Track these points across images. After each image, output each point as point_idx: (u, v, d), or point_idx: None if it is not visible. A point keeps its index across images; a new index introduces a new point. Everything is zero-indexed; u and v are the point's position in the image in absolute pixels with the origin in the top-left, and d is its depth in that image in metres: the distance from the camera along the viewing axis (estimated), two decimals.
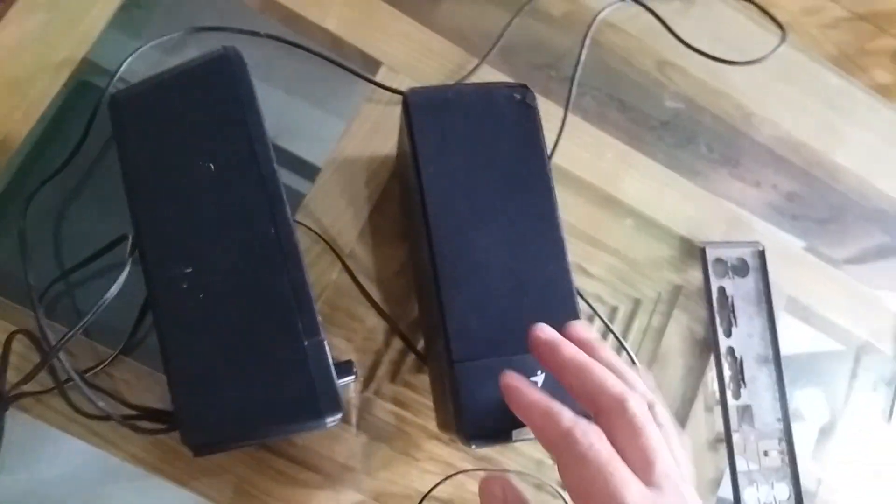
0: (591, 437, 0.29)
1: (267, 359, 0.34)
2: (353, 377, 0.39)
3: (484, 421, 0.37)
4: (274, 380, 0.34)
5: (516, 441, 0.38)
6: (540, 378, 0.38)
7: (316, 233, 0.47)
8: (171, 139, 0.36)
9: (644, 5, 0.56)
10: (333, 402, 0.34)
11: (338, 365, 0.35)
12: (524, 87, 0.43)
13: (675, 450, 0.31)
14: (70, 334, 0.39)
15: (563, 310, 0.40)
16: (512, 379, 0.34)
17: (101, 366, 0.42)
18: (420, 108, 0.41)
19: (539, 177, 0.42)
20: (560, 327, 0.36)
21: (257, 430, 0.35)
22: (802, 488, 0.51)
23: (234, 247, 0.35)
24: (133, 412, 0.41)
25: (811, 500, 0.53)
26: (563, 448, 0.30)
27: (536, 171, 0.42)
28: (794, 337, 0.55)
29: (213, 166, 0.35)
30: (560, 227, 0.41)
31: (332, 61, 0.49)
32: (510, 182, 0.42)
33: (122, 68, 0.46)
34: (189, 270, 0.34)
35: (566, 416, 0.31)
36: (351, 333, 0.47)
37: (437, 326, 0.39)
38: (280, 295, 0.35)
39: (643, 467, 0.29)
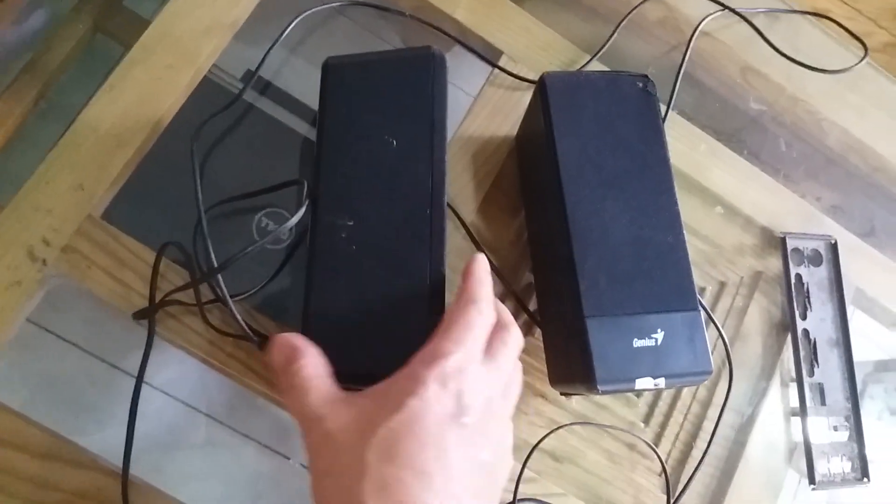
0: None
1: (394, 320, 0.38)
2: None
3: (611, 368, 0.41)
4: (396, 340, 0.38)
5: (637, 389, 0.42)
6: (660, 336, 0.42)
7: (451, 207, 0.52)
8: (366, 110, 0.41)
9: (742, 16, 0.61)
10: None
11: None
12: (645, 76, 0.48)
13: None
14: (237, 255, 0.41)
15: (679, 275, 0.44)
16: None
17: (248, 294, 0.46)
18: (555, 89, 0.46)
19: (658, 156, 0.47)
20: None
21: (365, 372, 0.38)
22: (868, 462, 0.55)
23: (393, 215, 0.39)
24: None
25: (877, 473, 0.57)
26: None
27: (656, 151, 0.47)
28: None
29: (395, 142, 0.40)
30: (676, 201, 0.46)
31: (465, 45, 0.54)
32: (633, 159, 0.46)
33: (288, 29, 0.51)
34: (350, 223, 0.39)
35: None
36: None
37: (567, 286, 0.43)
38: (419, 270, 0.39)
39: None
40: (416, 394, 0.32)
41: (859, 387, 0.58)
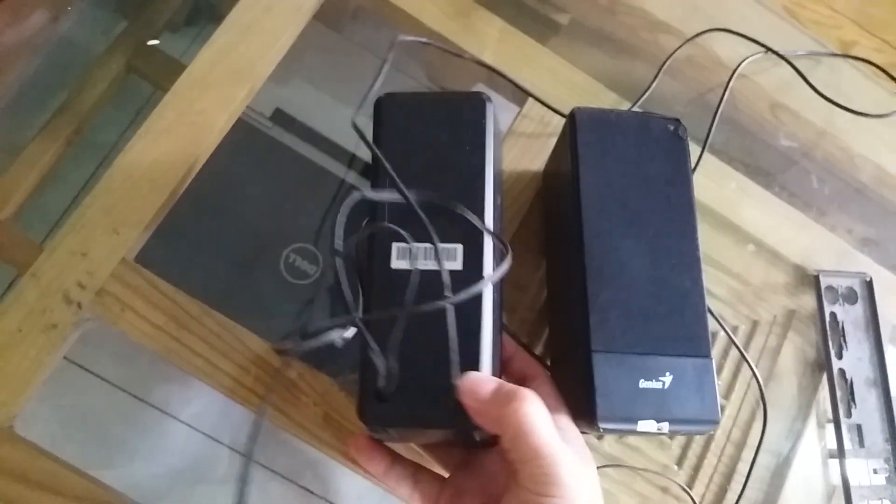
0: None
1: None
2: None
3: (614, 406, 0.41)
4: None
5: (639, 432, 0.41)
6: (668, 379, 0.42)
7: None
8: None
9: (785, 58, 0.62)
10: None
11: None
12: (677, 120, 0.48)
13: None
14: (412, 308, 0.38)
15: (693, 320, 0.43)
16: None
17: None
18: (585, 124, 0.47)
19: (684, 200, 0.46)
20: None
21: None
22: None
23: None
24: None
25: None
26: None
27: (682, 194, 0.47)
28: None
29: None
30: (698, 246, 0.45)
31: (502, 75, 0.55)
32: (657, 201, 0.46)
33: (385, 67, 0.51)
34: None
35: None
36: None
37: (578, 320, 0.43)
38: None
39: None
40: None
41: None
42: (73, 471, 0.43)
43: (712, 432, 0.53)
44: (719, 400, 0.42)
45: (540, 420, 0.35)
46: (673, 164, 0.47)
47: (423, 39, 0.51)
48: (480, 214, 0.40)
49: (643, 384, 0.41)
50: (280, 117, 0.67)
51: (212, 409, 0.49)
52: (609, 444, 0.51)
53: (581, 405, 0.42)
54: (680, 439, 0.53)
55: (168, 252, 0.49)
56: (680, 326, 0.43)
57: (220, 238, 0.50)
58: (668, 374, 0.42)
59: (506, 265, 0.40)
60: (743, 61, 0.61)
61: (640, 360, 0.42)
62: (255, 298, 0.53)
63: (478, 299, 0.38)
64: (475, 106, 0.42)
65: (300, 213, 0.56)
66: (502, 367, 0.42)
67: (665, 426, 0.41)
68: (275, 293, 0.51)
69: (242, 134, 0.56)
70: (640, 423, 0.41)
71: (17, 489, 0.42)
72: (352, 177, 0.54)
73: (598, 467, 0.49)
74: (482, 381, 0.36)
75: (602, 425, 0.41)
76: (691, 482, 0.52)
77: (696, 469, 0.52)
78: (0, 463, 0.42)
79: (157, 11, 0.70)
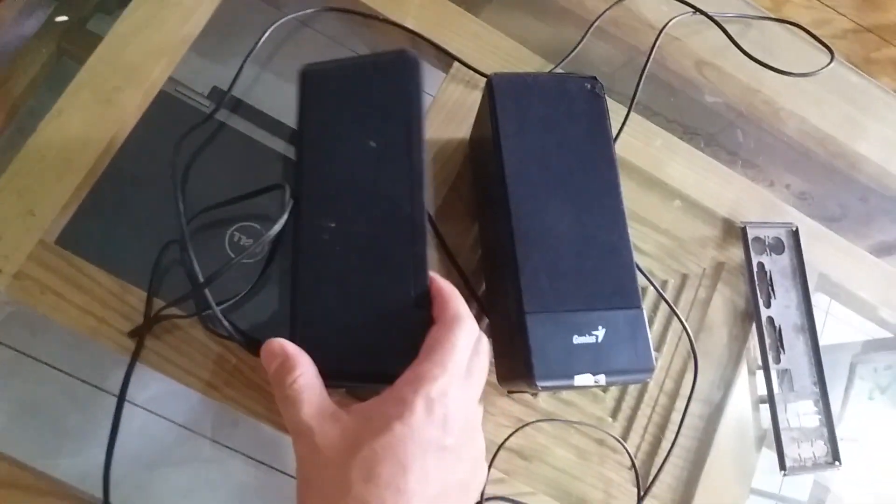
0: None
1: (379, 317, 0.39)
2: None
3: (550, 364, 0.41)
4: (381, 336, 0.39)
5: (577, 386, 0.42)
6: (601, 332, 0.43)
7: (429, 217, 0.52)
8: (345, 114, 0.41)
9: (713, 20, 0.62)
10: None
11: None
12: (594, 78, 0.48)
13: None
14: (227, 265, 0.42)
15: (622, 273, 0.44)
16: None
17: (233, 300, 0.47)
18: (502, 89, 0.47)
19: (604, 157, 0.47)
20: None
21: (355, 374, 0.39)
22: (839, 446, 0.56)
23: (374, 215, 0.40)
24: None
25: (848, 456, 0.57)
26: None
27: (602, 151, 0.47)
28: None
29: (374, 144, 0.40)
30: (622, 201, 0.46)
31: (426, 40, 0.55)
32: (579, 160, 0.47)
33: (264, 36, 0.52)
34: (333, 225, 0.39)
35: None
36: None
37: (510, 283, 0.44)
38: (402, 266, 0.39)
39: None
40: (401, 418, 0.33)
41: (847, 369, 0.58)
42: (25, 469, 0.43)
43: (647, 381, 0.54)
44: (653, 349, 0.43)
45: (305, 395, 0.35)
46: (592, 122, 0.48)
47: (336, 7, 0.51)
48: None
49: (577, 340, 0.42)
50: (218, 95, 0.65)
51: (167, 391, 0.48)
52: (544, 399, 0.52)
53: (519, 366, 0.43)
54: (614, 392, 0.54)
55: (91, 234, 0.49)
56: (609, 281, 0.44)
57: (156, 218, 0.49)
58: (600, 327, 0.43)
59: (285, 216, 0.41)
60: (670, 21, 0.62)
61: (572, 317, 0.43)
62: (224, 283, 0.52)
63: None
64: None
65: (245, 191, 0.55)
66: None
67: (601, 378, 0.42)
68: (227, 269, 0.50)
69: (178, 113, 0.55)
70: (576, 377, 0.42)
71: None
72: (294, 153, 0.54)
73: (532, 422, 0.51)
74: (268, 354, 0.37)
75: (540, 384, 0.41)
76: (626, 434, 0.53)
77: (631, 420, 0.53)
78: None
79: None
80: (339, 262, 0.39)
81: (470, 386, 0.37)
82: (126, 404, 0.50)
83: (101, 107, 0.48)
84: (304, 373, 0.36)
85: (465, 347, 0.37)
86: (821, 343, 0.58)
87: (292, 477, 0.54)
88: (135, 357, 0.45)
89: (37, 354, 0.90)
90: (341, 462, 0.33)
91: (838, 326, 0.65)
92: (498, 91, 0.47)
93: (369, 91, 0.42)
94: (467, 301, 0.51)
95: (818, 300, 0.61)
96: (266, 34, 0.51)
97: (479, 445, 0.38)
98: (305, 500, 0.34)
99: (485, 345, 0.39)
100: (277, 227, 0.40)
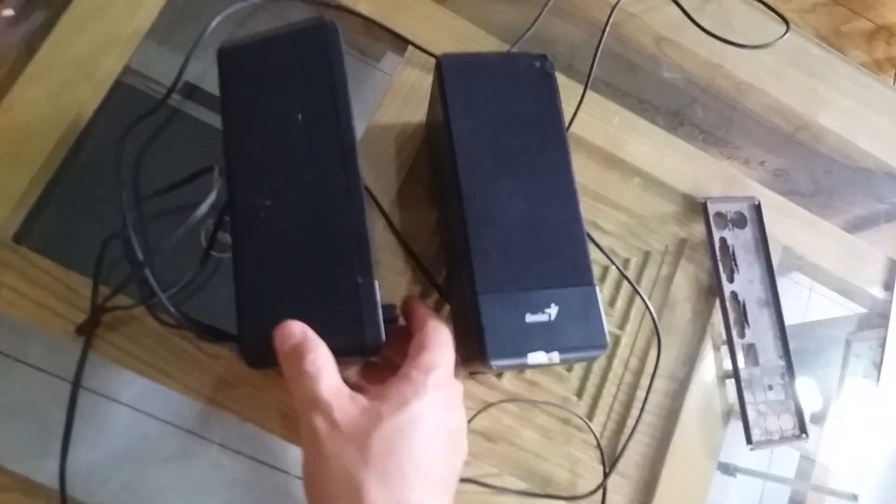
0: None
1: (325, 290, 0.39)
2: (395, 317, 0.42)
3: (503, 343, 0.42)
4: (328, 308, 0.39)
5: (531, 364, 0.42)
6: (554, 310, 0.43)
7: (368, 190, 0.52)
8: (267, 88, 0.41)
9: None
10: (377, 335, 0.38)
11: (383, 306, 0.39)
12: (543, 56, 0.48)
13: None
14: (160, 247, 0.42)
15: (574, 251, 0.45)
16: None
17: (178, 286, 0.47)
18: (451, 70, 0.47)
19: (556, 135, 0.47)
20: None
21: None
22: (806, 419, 0.56)
23: (310, 187, 0.40)
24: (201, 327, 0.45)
25: (816, 429, 0.58)
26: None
27: (553, 130, 0.47)
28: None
29: (300, 117, 0.40)
30: (573, 179, 0.46)
31: (380, 25, 0.55)
32: (530, 139, 0.47)
33: (213, 23, 0.51)
34: (269, 203, 0.39)
35: None
36: (384, 282, 0.52)
37: (463, 265, 0.44)
38: (343, 236, 0.39)
39: None
40: (418, 396, 0.36)
41: (843, 347, 0.59)
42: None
43: (601, 356, 0.54)
44: (606, 325, 0.43)
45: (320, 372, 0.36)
46: (542, 100, 0.48)
47: None
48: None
49: (530, 318, 0.43)
50: (185, 88, 0.65)
51: (153, 388, 0.48)
52: (508, 380, 0.52)
53: (474, 346, 0.43)
54: (578, 371, 0.54)
55: (47, 228, 0.49)
56: (561, 259, 0.44)
57: (114, 209, 0.49)
58: (553, 305, 0.43)
59: (212, 195, 0.42)
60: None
61: (525, 296, 0.43)
62: (174, 274, 0.52)
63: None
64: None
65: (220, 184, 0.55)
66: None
67: (555, 356, 0.42)
68: (194, 266, 0.50)
69: (139, 103, 0.55)
70: (529, 355, 0.42)
71: None
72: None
73: (495, 403, 0.51)
74: (283, 335, 0.37)
75: (493, 363, 0.42)
76: (591, 413, 0.53)
77: (596, 399, 0.54)
78: None
79: None
80: (279, 239, 0.39)
81: (457, 383, 0.41)
82: (111, 403, 0.50)
83: (51, 100, 0.48)
84: (324, 354, 0.37)
85: (451, 345, 0.41)
86: (809, 320, 0.58)
87: (281, 471, 0.54)
88: (85, 351, 0.45)
89: (22, 357, 0.90)
90: (361, 437, 0.34)
91: (824, 303, 0.65)
92: (447, 72, 0.46)
93: (289, 63, 0.42)
94: (425, 288, 0.52)
95: (799, 277, 0.62)
96: (215, 22, 0.51)
97: (467, 441, 0.41)
98: (320, 474, 0.35)
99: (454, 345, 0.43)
100: (203, 209, 0.40)
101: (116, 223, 0.47)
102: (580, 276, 0.44)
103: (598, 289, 0.44)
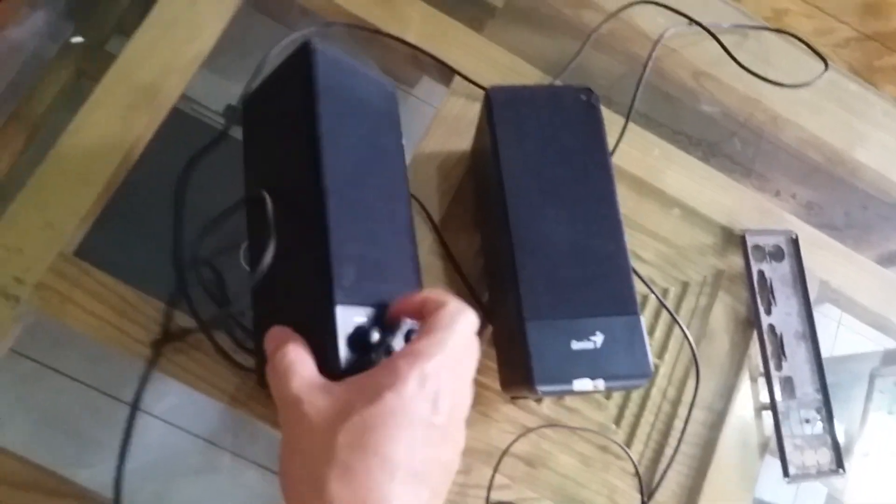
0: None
1: (305, 316, 0.39)
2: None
3: (550, 369, 0.43)
4: (308, 333, 0.38)
5: (576, 391, 0.43)
6: (599, 338, 0.44)
7: (424, 208, 0.54)
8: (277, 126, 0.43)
9: (708, 30, 0.64)
10: (335, 361, 0.37)
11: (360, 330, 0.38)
12: (589, 89, 0.50)
13: None
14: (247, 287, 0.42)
15: (619, 281, 0.46)
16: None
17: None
18: (500, 101, 0.48)
19: (601, 167, 0.49)
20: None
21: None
22: (843, 454, 0.56)
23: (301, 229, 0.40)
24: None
25: (852, 465, 0.57)
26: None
27: (599, 161, 0.49)
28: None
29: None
30: (618, 209, 0.47)
31: (427, 54, 0.57)
32: (576, 170, 0.48)
33: (271, 54, 0.53)
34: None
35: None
36: None
37: (510, 291, 0.45)
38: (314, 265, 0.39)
39: None
40: (394, 388, 0.33)
41: (867, 382, 0.59)
42: (34, 468, 0.45)
43: (646, 386, 0.55)
44: (650, 354, 0.44)
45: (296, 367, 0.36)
46: (588, 132, 0.49)
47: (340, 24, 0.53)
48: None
49: (576, 346, 0.44)
50: (232, 113, 0.67)
51: (185, 402, 0.50)
52: (547, 406, 0.53)
53: (519, 371, 0.44)
54: (617, 399, 0.55)
55: (108, 245, 0.51)
56: (606, 288, 0.45)
57: (170, 230, 0.51)
58: (598, 333, 0.44)
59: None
60: (665, 31, 0.63)
61: (571, 324, 0.44)
62: (214, 289, 0.53)
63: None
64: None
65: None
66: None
67: (600, 383, 0.43)
68: (236, 283, 0.52)
69: (190, 129, 0.57)
70: (575, 382, 0.43)
71: None
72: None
73: (535, 428, 0.52)
74: (268, 339, 0.38)
75: (540, 388, 0.43)
76: (629, 440, 0.54)
77: (634, 427, 0.54)
78: None
79: (105, 15, 0.71)
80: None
81: (462, 375, 0.37)
82: (143, 415, 0.51)
83: (115, 124, 0.50)
84: (294, 348, 0.36)
85: (463, 332, 0.37)
86: (836, 354, 0.58)
87: None
88: (150, 367, 0.46)
89: (57, 366, 0.92)
90: (328, 428, 0.33)
91: (852, 337, 0.65)
92: (496, 104, 0.48)
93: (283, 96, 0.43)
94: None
95: (828, 310, 0.62)
96: (272, 52, 0.53)
97: (462, 435, 0.38)
98: (287, 469, 0.34)
99: (477, 345, 0.39)
100: (268, 258, 0.39)
101: (174, 244, 0.49)
102: (625, 305, 0.45)
103: (642, 319, 0.45)
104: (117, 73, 0.52)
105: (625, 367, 0.44)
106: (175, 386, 0.48)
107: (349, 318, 0.37)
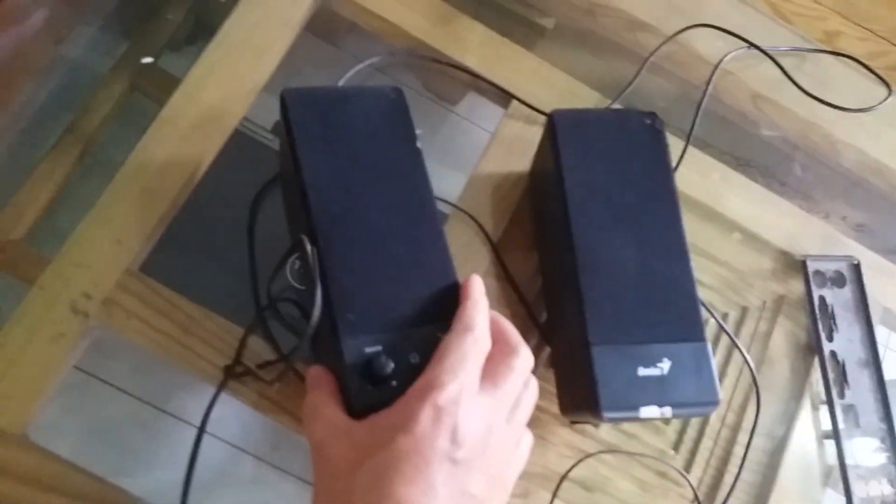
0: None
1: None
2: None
3: (616, 395, 0.42)
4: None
5: (643, 418, 0.43)
6: (666, 365, 0.43)
7: (483, 229, 0.54)
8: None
9: (768, 54, 0.64)
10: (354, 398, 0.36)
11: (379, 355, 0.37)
12: (653, 114, 0.49)
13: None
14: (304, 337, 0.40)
15: (686, 306, 0.45)
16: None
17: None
18: (563, 125, 0.48)
19: (666, 190, 0.48)
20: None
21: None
22: None
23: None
24: None
25: None
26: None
27: (664, 185, 0.48)
28: None
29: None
30: (684, 234, 0.47)
31: (484, 79, 0.58)
32: (641, 193, 0.48)
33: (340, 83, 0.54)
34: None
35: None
36: None
37: (574, 315, 0.44)
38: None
39: None
40: (406, 429, 0.33)
41: None
42: (86, 475, 0.45)
43: (709, 415, 0.54)
44: (718, 382, 0.43)
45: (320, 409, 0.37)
46: (652, 156, 0.49)
47: (404, 51, 0.53)
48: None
49: (642, 372, 0.43)
50: (280, 130, 0.69)
51: (229, 414, 0.50)
52: (605, 430, 0.52)
53: (584, 397, 0.43)
54: (675, 425, 0.54)
55: (172, 262, 0.51)
56: (673, 313, 0.45)
57: (225, 247, 0.52)
58: (665, 360, 0.43)
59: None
60: (726, 55, 0.63)
61: (637, 350, 0.43)
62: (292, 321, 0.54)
63: None
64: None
65: None
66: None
67: (668, 410, 0.42)
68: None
69: (244, 146, 0.58)
70: (642, 409, 0.42)
71: (30, 492, 0.43)
72: None
73: (594, 454, 0.51)
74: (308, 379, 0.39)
75: (606, 415, 0.42)
76: (688, 466, 0.53)
77: (693, 453, 0.53)
78: (14, 468, 0.44)
79: (158, 31, 0.73)
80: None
81: (493, 397, 0.36)
82: (184, 426, 0.51)
83: (181, 142, 0.51)
84: (320, 392, 0.37)
85: (475, 355, 0.36)
86: (886, 378, 0.57)
87: None
88: (219, 390, 0.46)
89: (108, 378, 0.93)
90: (348, 471, 0.33)
91: None
92: (559, 127, 0.48)
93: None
94: (528, 331, 0.52)
95: (876, 336, 0.61)
96: (342, 81, 0.54)
97: (507, 460, 0.37)
98: None
99: (522, 360, 0.38)
100: (316, 316, 0.38)
101: (236, 262, 0.49)
102: (692, 331, 0.44)
103: (709, 345, 0.44)
104: (183, 93, 0.52)
105: (692, 394, 0.43)
106: (221, 398, 0.48)
107: (357, 349, 0.37)
